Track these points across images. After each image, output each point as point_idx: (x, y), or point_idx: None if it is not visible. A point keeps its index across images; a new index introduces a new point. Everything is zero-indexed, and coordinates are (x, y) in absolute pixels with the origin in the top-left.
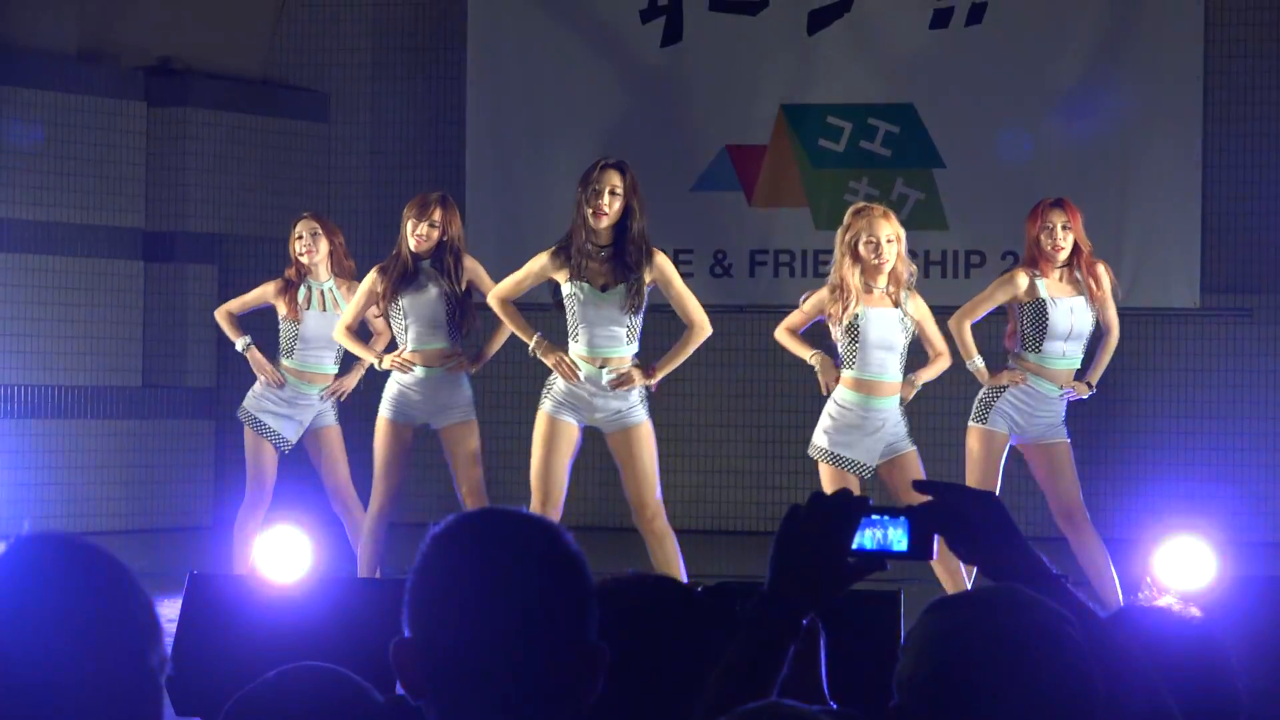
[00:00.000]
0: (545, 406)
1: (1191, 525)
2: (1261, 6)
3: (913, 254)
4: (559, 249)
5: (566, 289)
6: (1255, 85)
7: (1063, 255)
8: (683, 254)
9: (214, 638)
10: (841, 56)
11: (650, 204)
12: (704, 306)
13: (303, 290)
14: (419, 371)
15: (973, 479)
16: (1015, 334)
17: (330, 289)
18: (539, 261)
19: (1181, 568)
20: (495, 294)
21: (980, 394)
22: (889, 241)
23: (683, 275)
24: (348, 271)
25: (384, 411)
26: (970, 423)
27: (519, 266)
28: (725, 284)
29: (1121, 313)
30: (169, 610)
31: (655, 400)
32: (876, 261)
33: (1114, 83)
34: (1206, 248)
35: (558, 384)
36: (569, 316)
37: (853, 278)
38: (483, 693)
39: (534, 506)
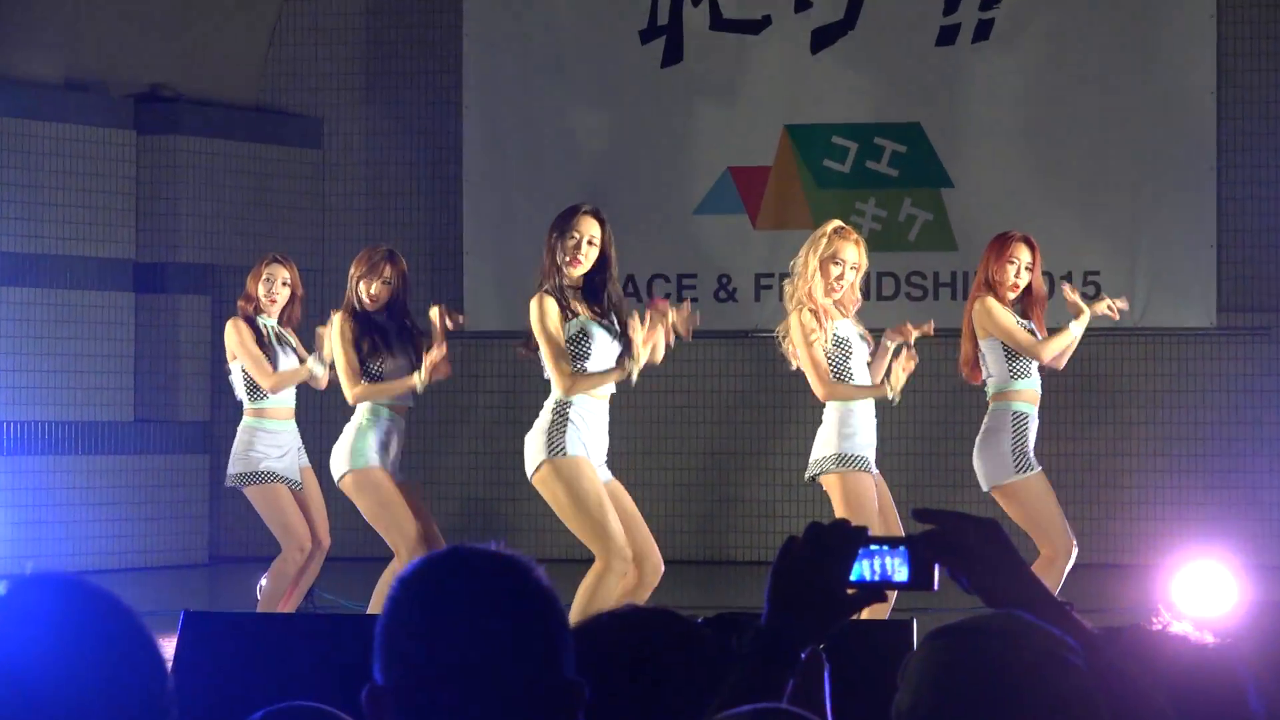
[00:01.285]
0: (571, 450)
1: (1210, 549)
2: (1275, 20)
3: (920, 275)
4: (550, 293)
5: (574, 327)
6: (1270, 100)
7: (1017, 292)
8: (686, 279)
9: (209, 677)
10: (846, 75)
11: (653, 228)
12: (709, 332)
13: (262, 329)
14: (393, 420)
15: (1050, 525)
16: (982, 364)
17: (274, 326)
18: (552, 313)
19: (1201, 592)
20: (568, 381)
21: (1007, 447)
22: (853, 269)
23: (687, 300)
24: (294, 320)
25: (372, 461)
26: (1015, 477)
27: (518, 291)
28: (730, 309)
29: (1136, 333)
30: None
31: (659, 427)
32: (838, 284)
33: (1125, 99)
34: (1222, 266)
35: (576, 423)
36: (576, 356)
37: (821, 295)
38: None
39: (614, 556)
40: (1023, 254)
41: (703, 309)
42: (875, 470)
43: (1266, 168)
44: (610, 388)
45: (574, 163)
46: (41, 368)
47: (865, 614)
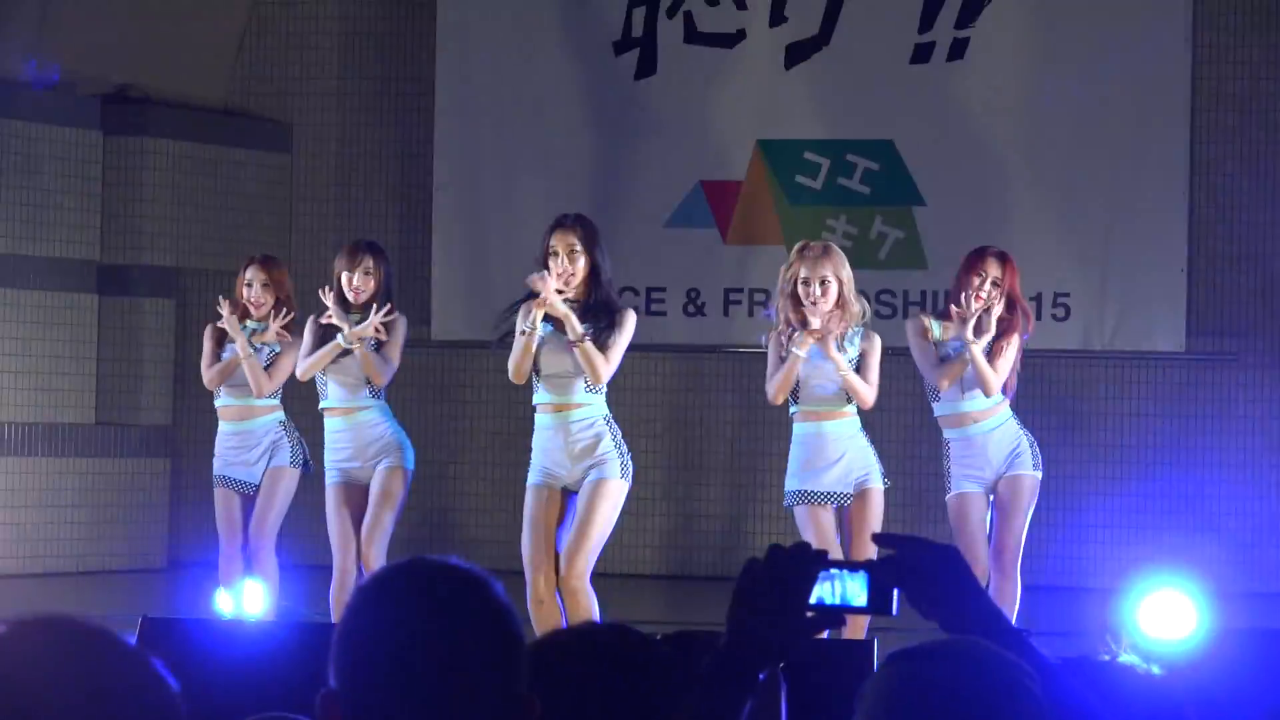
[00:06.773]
0: (530, 479)
1: (1173, 575)
2: (1250, 45)
3: (890, 294)
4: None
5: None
6: (1243, 126)
7: (980, 304)
8: (655, 292)
9: None
10: (820, 91)
11: (622, 241)
12: (677, 346)
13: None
14: (331, 424)
15: (962, 547)
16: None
17: (258, 326)
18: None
19: (1162, 619)
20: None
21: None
22: (824, 283)
23: (655, 314)
24: (289, 327)
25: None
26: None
27: (486, 302)
28: (699, 323)
29: (1105, 356)
30: None
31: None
32: (811, 302)
33: (1098, 120)
34: (1192, 290)
35: (536, 448)
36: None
37: (791, 316)
38: None
39: (530, 581)
40: (991, 268)
41: (671, 322)
42: (846, 495)
43: (1238, 191)
44: (559, 398)
45: (545, 173)
46: (3, 368)
47: (846, 632)
